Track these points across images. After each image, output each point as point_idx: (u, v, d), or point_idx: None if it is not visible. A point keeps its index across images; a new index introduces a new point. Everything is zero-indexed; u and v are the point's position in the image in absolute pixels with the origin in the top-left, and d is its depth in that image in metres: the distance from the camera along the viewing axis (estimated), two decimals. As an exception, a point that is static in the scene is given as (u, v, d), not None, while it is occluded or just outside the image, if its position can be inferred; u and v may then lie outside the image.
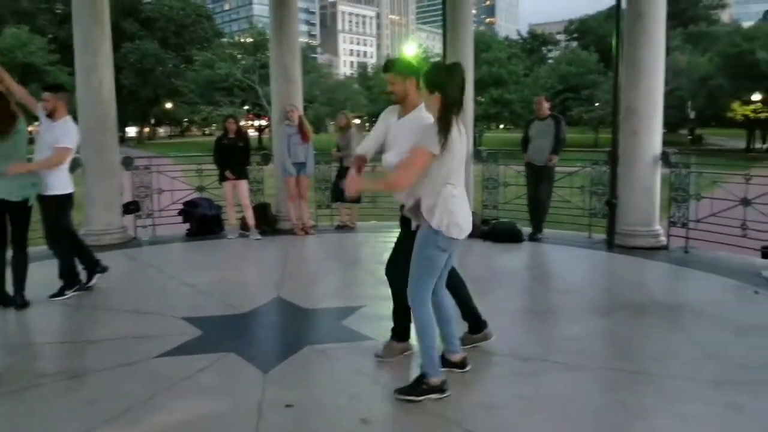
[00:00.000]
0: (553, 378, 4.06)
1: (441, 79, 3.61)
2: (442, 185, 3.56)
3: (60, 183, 5.97)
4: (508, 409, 3.66)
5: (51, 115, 5.99)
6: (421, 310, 3.73)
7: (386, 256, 4.40)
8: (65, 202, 6.09)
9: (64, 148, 5.85)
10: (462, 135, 3.63)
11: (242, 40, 60.84)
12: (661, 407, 3.62)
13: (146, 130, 79.97)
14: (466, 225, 3.70)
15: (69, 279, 6.16)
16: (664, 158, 8.02)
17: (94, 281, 6.35)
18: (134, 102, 63.09)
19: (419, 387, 3.71)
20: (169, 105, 67.28)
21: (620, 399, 3.76)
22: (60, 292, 6.05)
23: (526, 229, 8.85)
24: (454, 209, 3.59)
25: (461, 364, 4.12)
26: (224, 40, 70.13)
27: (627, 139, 8.10)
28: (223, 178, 9.13)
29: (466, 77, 3.67)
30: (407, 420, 3.56)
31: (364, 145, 4.30)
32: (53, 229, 6.11)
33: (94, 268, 6.40)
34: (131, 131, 76.39)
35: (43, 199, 5.91)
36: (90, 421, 3.49)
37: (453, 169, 3.60)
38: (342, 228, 9.68)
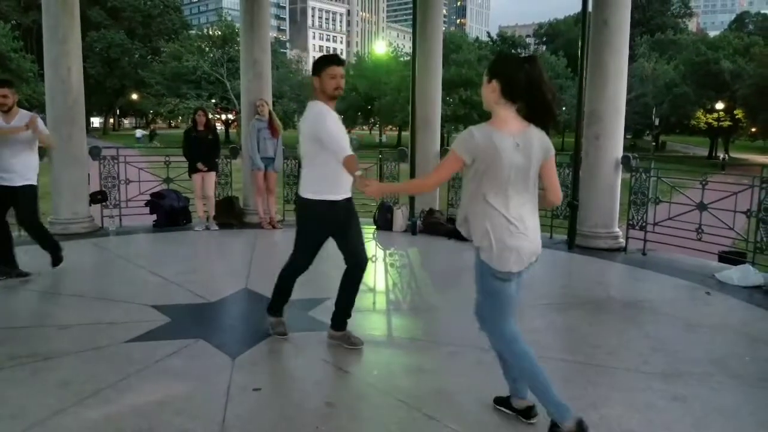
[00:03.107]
0: (511, 368, 4.23)
1: (503, 67, 3.18)
2: (480, 202, 3.15)
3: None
4: (467, 396, 3.81)
5: (8, 111, 6.19)
6: (511, 347, 3.26)
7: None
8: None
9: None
10: (514, 143, 3.10)
11: (211, 32, 60.37)
12: (612, 397, 3.81)
13: (111, 120, 78.85)
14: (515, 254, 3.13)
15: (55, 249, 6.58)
16: (625, 162, 8.25)
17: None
18: (99, 92, 62.19)
19: None
20: (135, 96, 66.44)
21: (574, 389, 3.93)
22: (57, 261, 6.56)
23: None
24: (500, 236, 3.12)
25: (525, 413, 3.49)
26: (192, 32, 69.44)
27: (589, 143, 8.31)
28: (193, 170, 9.17)
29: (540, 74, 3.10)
30: (370, 405, 3.70)
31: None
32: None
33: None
34: (96, 122, 75.26)
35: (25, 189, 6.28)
36: (62, 402, 3.57)
37: (492, 184, 3.11)
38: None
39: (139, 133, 59.82)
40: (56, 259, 6.53)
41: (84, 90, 8.85)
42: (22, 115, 6.28)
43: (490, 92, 3.14)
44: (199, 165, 9.09)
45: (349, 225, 4.49)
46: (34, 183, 6.37)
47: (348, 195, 4.41)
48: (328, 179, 4.23)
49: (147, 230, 9.27)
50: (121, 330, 4.78)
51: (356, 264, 4.53)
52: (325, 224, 4.42)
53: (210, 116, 9.93)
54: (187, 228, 9.39)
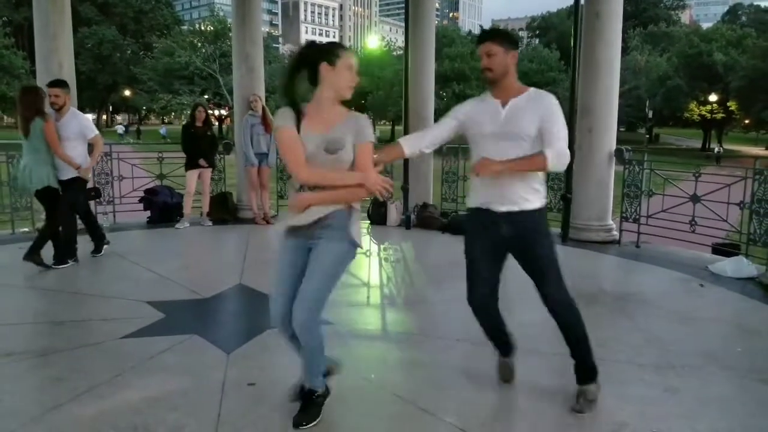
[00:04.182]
0: (504, 361, 4.23)
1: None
2: None
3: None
4: (459, 389, 3.82)
5: (59, 109, 6.51)
6: (319, 327, 3.37)
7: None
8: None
9: (99, 136, 6.87)
10: None
11: (203, 27, 60.14)
12: (605, 389, 3.80)
13: (104, 117, 78.52)
14: None
15: (68, 252, 6.75)
16: (618, 155, 8.27)
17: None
18: (91, 88, 61.87)
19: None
20: (127, 92, 66.18)
21: (567, 381, 3.94)
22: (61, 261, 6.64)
23: (484, 222, 9.01)
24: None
25: None
26: (184, 27, 69.17)
27: (582, 136, 8.29)
28: (192, 166, 9.13)
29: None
30: (365, 399, 3.71)
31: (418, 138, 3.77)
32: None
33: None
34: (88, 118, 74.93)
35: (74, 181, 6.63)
36: (56, 398, 3.56)
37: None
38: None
39: (120, 129, 59.52)
40: (60, 261, 6.61)
41: (76, 86, 8.81)
42: (72, 114, 6.65)
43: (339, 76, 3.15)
44: (201, 162, 9.09)
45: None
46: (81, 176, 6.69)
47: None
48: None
49: (141, 227, 9.24)
50: (115, 326, 4.78)
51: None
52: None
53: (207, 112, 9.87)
54: (181, 224, 9.37)
